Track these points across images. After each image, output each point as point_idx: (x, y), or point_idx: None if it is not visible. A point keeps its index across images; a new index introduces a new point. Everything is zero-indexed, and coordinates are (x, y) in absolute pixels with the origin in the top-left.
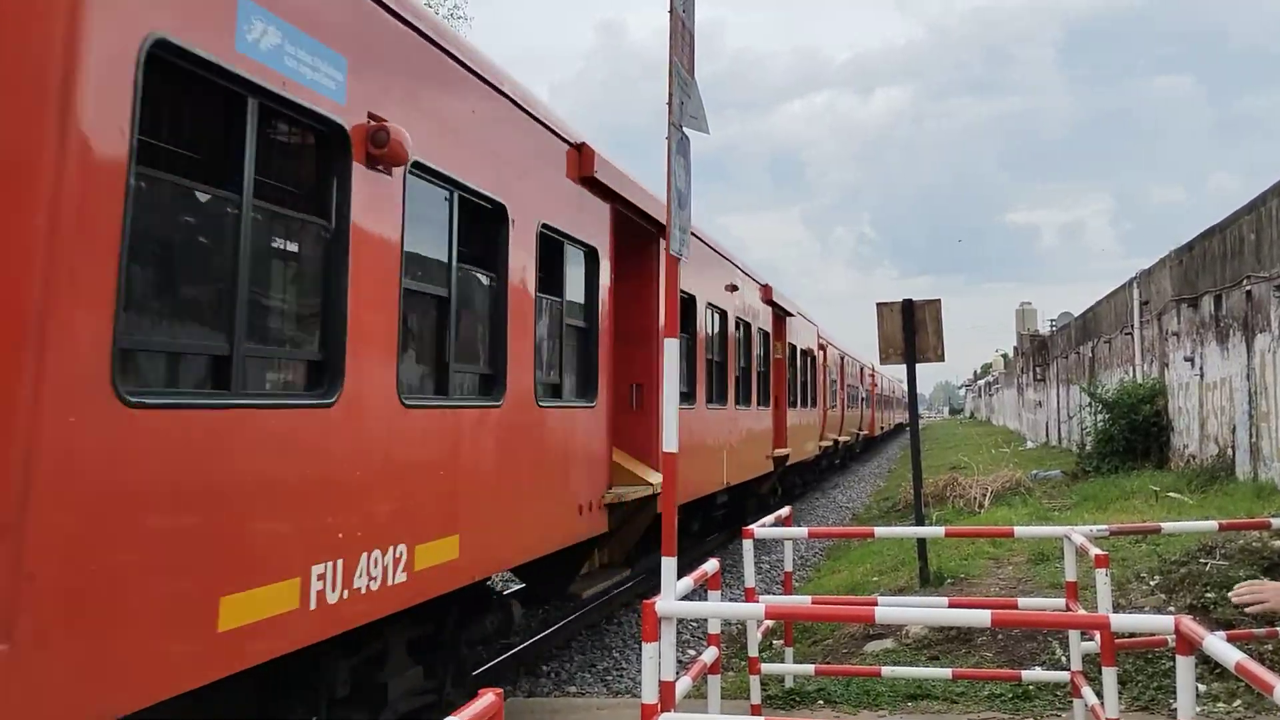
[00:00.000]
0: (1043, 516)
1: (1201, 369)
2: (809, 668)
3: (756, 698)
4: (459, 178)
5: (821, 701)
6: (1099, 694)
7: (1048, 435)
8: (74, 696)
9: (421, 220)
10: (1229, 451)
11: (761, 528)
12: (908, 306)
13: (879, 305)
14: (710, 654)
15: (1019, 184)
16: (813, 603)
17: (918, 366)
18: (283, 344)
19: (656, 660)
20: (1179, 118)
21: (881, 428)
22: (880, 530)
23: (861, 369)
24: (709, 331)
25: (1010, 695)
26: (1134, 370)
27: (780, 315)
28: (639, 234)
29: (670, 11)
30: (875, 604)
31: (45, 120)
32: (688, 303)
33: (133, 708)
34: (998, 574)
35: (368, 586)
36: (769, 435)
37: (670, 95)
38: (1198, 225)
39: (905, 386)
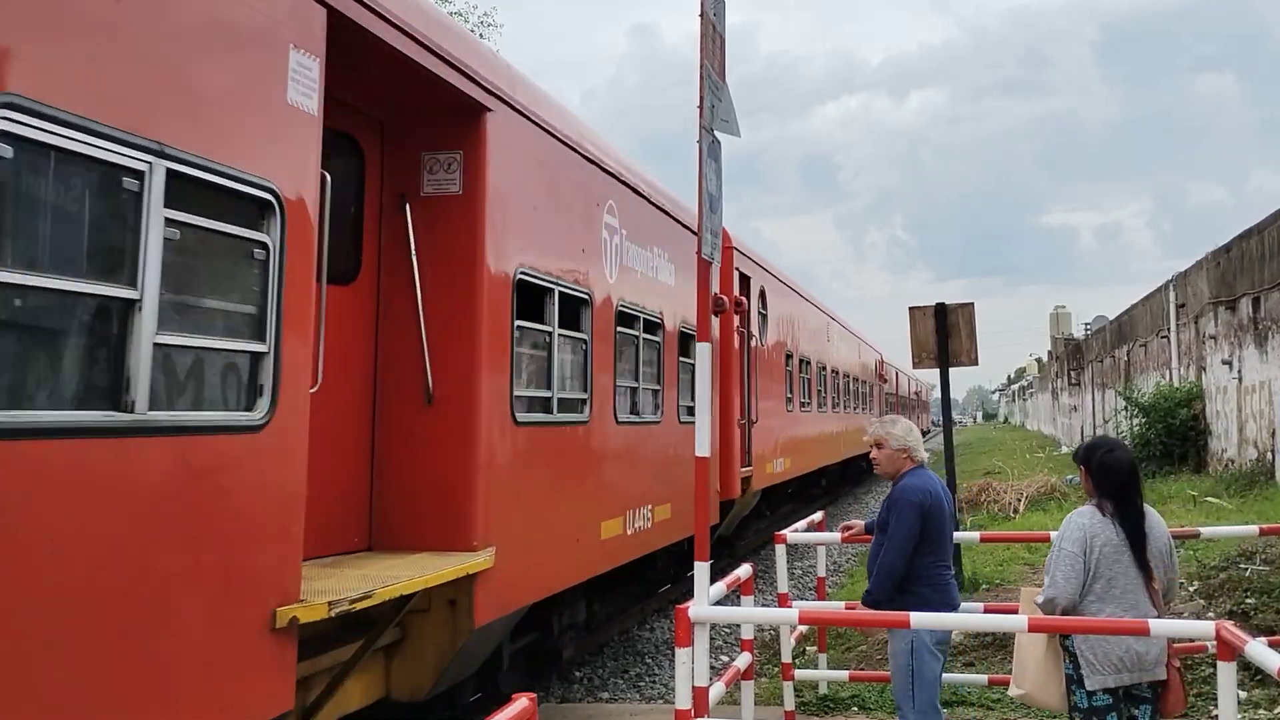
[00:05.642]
0: None
1: (1240, 372)
2: (843, 674)
3: (790, 704)
4: None
5: (856, 708)
6: None
7: (1082, 440)
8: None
9: None
10: (1268, 455)
11: (794, 533)
12: (941, 310)
13: (912, 309)
14: (744, 659)
15: (1056, 185)
16: (846, 608)
17: (951, 370)
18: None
19: (690, 666)
20: (1219, 117)
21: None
22: None
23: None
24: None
25: None
26: (1170, 374)
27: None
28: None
29: (701, 15)
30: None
31: None
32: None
33: None
34: (1034, 579)
35: None
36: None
37: (701, 99)
38: (1238, 226)
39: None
